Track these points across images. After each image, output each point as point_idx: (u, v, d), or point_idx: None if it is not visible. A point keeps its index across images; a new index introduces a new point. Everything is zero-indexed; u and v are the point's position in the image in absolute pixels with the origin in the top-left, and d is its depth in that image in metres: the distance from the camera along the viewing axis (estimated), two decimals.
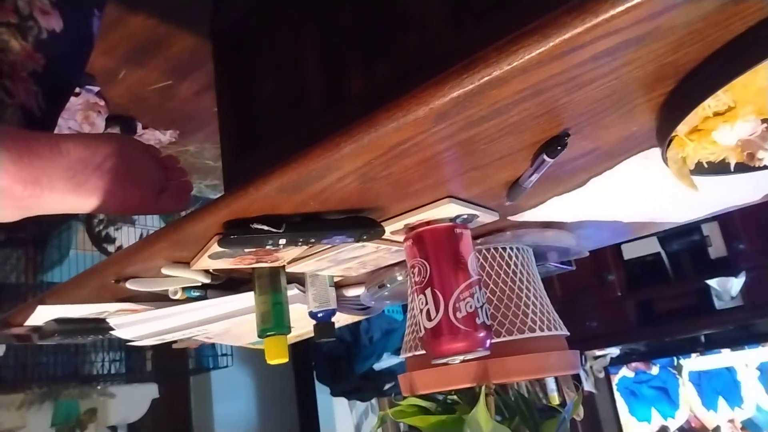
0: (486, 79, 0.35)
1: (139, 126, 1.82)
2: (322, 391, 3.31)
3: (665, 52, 0.35)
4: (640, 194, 0.63)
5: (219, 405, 3.62)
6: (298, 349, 4.00)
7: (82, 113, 1.70)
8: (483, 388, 0.62)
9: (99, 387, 2.46)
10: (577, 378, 2.82)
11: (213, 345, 2.87)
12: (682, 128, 0.43)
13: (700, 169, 0.48)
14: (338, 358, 3.09)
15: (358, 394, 3.19)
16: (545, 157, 0.46)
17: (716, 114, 0.41)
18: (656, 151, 0.47)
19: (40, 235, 2.05)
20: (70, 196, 0.60)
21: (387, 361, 3.00)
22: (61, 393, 2.37)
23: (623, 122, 0.45)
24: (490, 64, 0.35)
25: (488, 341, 0.58)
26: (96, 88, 1.63)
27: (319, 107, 1.07)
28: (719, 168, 0.48)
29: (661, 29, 0.33)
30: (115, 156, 0.66)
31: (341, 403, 3.33)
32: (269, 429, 4.02)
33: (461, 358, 0.58)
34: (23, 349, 2.19)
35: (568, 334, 0.71)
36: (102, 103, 1.69)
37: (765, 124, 0.43)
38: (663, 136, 0.42)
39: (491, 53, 0.34)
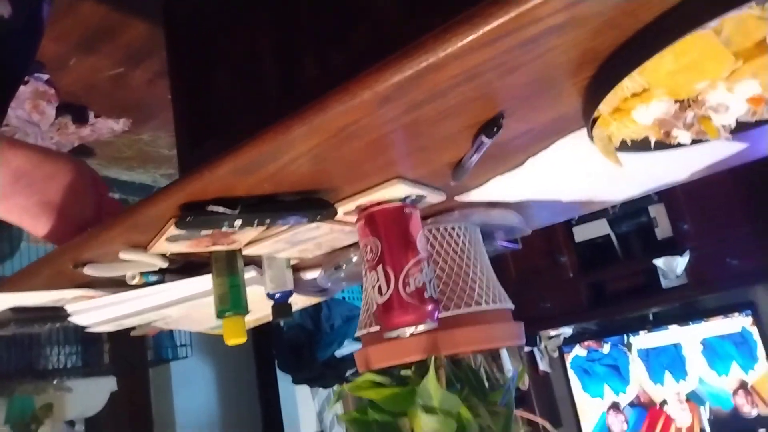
0: (424, 65, 0.38)
1: (91, 115, 1.79)
2: (283, 380, 3.33)
3: (584, 39, 0.39)
4: (575, 173, 0.67)
5: (179, 396, 3.60)
6: (258, 338, 4.00)
7: (30, 102, 1.66)
8: (433, 359, 0.66)
9: (55, 381, 2.42)
10: (531, 356, 2.92)
11: (172, 336, 2.85)
12: (605, 108, 0.47)
13: (624, 147, 0.52)
14: (300, 346, 3.11)
15: (321, 381, 3.22)
16: (484, 138, 0.50)
17: (634, 95, 0.45)
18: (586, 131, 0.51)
19: None
20: None
21: (348, 348, 3.04)
22: (15, 389, 2.32)
23: (553, 104, 0.48)
24: (427, 51, 0.38)
25: (436, 314, 0.62)
26: (45, 76, 1.60)
27: (275, 94, 1.09)
28: (641, 145, 0.52)
29: (578, 18, 0.36)
30: (56, 181, 0.65)
31: (303, 390, 3.35)
32: (231, 419, 4.02)
33: (411, 330, 0.62)
34: None
35: (513, 307, 0.75)
36: (52, 91, 1.66)
37: (678, 105, 0.47)
38: (588, 116, 0.46)
39: (428, 41, 0.37)
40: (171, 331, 2.87)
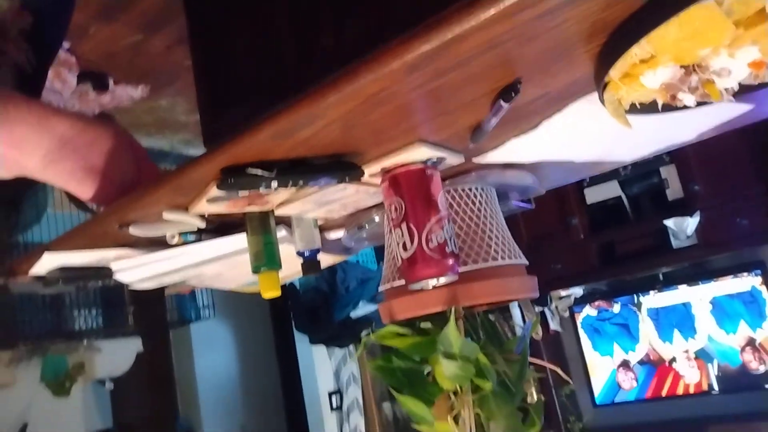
0: (450, 36, 0.42)
1: (111, 82, 1.83)
2: (300, 340, 3.43)
3: (596, 10, 0.43)
4: (587, 134, 0.71)
5: (200, 356, 3.72)
6: (276, 300, 4.10)
7: (53, 70, 1.70)
8: (453, 310, 0.71)
9: (85, 342, 2.53)
10: (542, 316, 2.99)
11: (194, 297, 2.94)
12: (615, 74, 0.50)
13: (634, 110, 0.56)
14: (316, 308, 3.19)
15: (337, 341, 3.32)
16: (502, 102, 0.54)
17: (642, 61, 0.49)
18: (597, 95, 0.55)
19: (16, 194, 2.07)
20: (38, 169, 0.64)
21: (363, 309, 3.12)
22: (48, 349, 2.42)
23: (567, 70, 0.52)
24: (453, 23, 0.41)
25: (457, 267, 0.67)
26: (66, 45, 1.64)
27: (292, 63, 1.12)
28: (649, 108, 0.56)
29: None
30: (97, 146, 0.70)
31: (320, 350, 3.45)
32: (250, 378, 4.16)
33: (434, 282, 0.67)
34: (7, 309, 2.23)
35: (527, 263, 0.80)
36: (73, 59, 1.70)
37: (683, 70, 0.51)
38: (599, 81, 0.50)
39: (453, 14, 0.41)
40: (194, 293, 2.96)
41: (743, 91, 0.56)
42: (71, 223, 2.19)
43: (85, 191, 0.72)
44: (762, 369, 2.65)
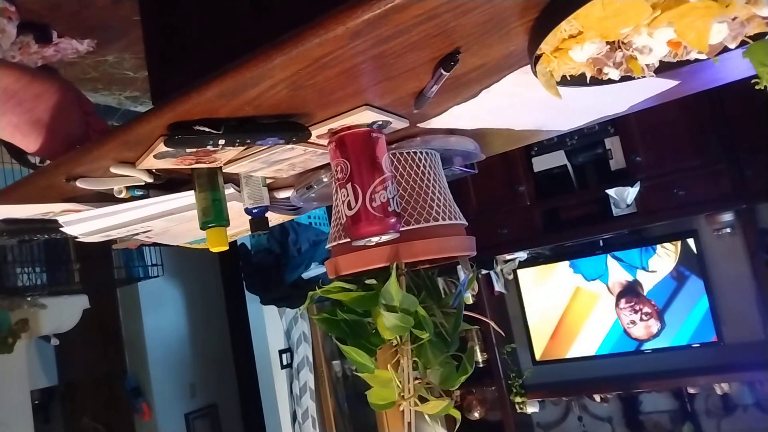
0: (390, 5, 0.44)
1: (55, 34, 1.76)
2: (251, 301, 3.45)
3: None
4: (524, 104, 0.75)
5: (149, 315, 3.70)
6: (226, 260, 4.09)
7: None
8: (395, 266, 0.75)
9: (29, 298, 2.48)
10: (487, 278, 3.09)
11: (143, 255, 2.91)
12: (546, 47, 0.54)
13: (565, 82, 0.60)
14: (268, 269, 3.20)
15: (288, 301, 3.35)
16: (442, 71, 0.57)
17: (570, 36, 0.52)
18: None
19: None
20: None
21: (315, 271, 3.15)
22: None
23: (503, 42, 0.55)
24: None
25: (398, 226, 0.70)
26: None
27: (245, 17, 1.12)
28: (579, 80, 0.60)
29: None
30: (44, 100, 0.69)
31: (271, 309, 3.48)
32: (200, 337, 4.17)
33: (376, 239, 0.71)
34: None
35: (467, 224, 0.85)
36: (12, 8, 1.62)
37: (608, 46, 0.55)
38: (531, 53, 0.54)
39: None
40: (141, 250, 2.93)
41: (665, 68, 0.61)
42: (13, 177, 2.12)
43: (30, 145, 0.72)
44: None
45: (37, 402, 3.59)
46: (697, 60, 0.60)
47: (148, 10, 1.28)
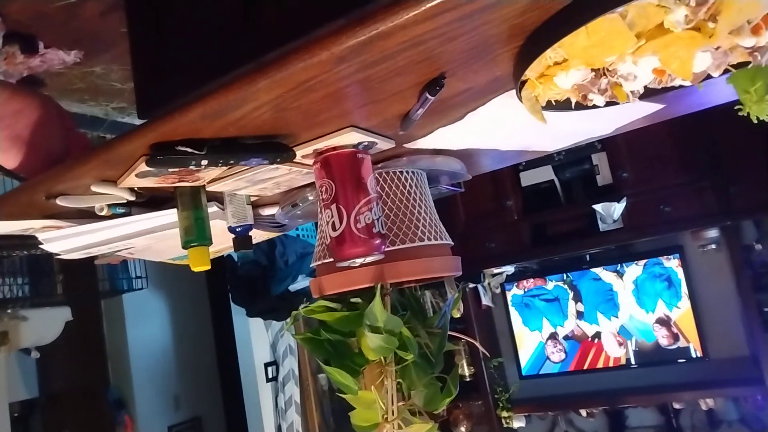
0: (375, 32, 0.44)
1: (41, 45, 1.74)
2: (237, 313, 3.42)
3: (513, 16, 0.46)
4: (510, 126, 0.75)
5: (133, 327, 3.66)
6: (212, 272, 4.06)
7: None
8: (380, 287, 0.74)
9: (9, 310, 2.44)
10: (475, 291, 3.09)
11: (127, 267, 2.88)
12: (531, 73, 0.54)
13: (550, 106, 0.60)
14: (254, 281, 3.18)
15: (274, 314, 3.32)
16: (428, 95, 0.57)
17: (556, 63, 0.52)
18: None
19: None
20: None
21: (302, 283, 3.13)
22: None
23: (489, 68, 0.55)
24: (377, 21, 0.44)
25: (383, 247, 0.70)
26: None
27: (234, 32, 1.11)
28: (564, 105, 0.60)
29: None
30: (24, 116, 0.69)
31: (257, 323, 3.46)
32: (185, 349, 4.12)
33: (361, 261, 0.70)
34: None
35: (452, 243, 0.84)
36: None
37: (593, 73, 0.55)
38: (517, 79, 0.54)
39: (379, 12, 0.43)
40: (126, 264, 2.90)
41: (650, 94, 0.61)
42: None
43: (9, 161, 0.71)
44: (675, 345, 2.85)
45: (16, 414, 3.52)
46: (681, 86, 0.60)
47: (136, 22, 1.27)
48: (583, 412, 3.05)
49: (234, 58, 1.08)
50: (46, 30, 1.67)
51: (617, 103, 0.61)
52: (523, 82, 0.55)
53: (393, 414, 0.78)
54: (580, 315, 3.09)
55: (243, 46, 1.08)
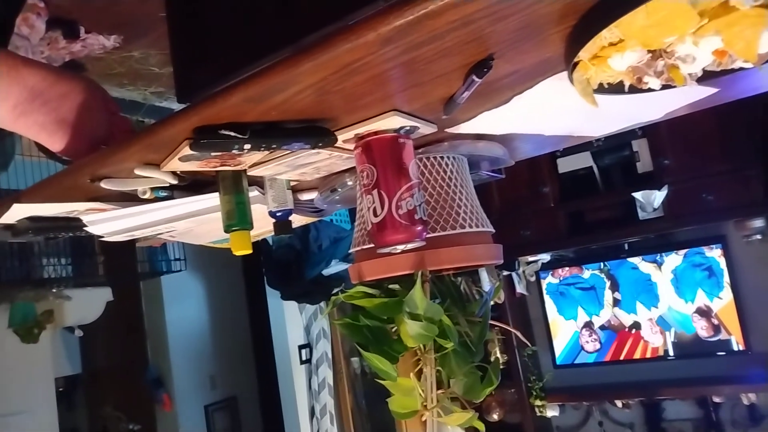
0: (423, 11, 0.43)
1: (82, 30, 1.78)
2: (272, 296, 3.46)
3: None
4: (556, 110, 0.72)
5: (171, 308, 3.74)
6: (248, 256, 4.11)
7: (20, 15, 1.64)
8: (420, 274, 0.73)
9: (54, 290, 2.52)
10: (509, 279, 3.06)
11: (166, 250, 2.94)
12: (584, 54, 0.52)
13: (601, 89, 0.58)
14: (288, 265, 3.21)
15: (308, 297, 3.35)
16: (474, 77, 0.55)
17: (611, 44, 0.50)
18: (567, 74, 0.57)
19: None
20: (8, 121, 0.64)
21: (335, 267, 3.15)
22: (16, 296, 2.41)
23: (539, 49, 0.53)
24: None
25: (424, 234, 0.69)
26: None
27: (271, 17, 1.11)
28: (616, 88, 0.58)
29: None
30: (69, 99, 0.69)
31: (291, 305, 3.49)
32: (221, 330, 4.21)
33: (402, 247, 0.69)
34: None
35: (494, 231, 0.83)
36: (41, 4, 1.64)
37: (650, 54, 0.52)
38: (569, 60, 0.52)
39: None
40: (165, 246, 2.96)
41: (707, 77, 0.58)
42: (40, 169, 2.15)
43: (55, 144, 0.71)
44: (714, 337, 2.78)
45: (61, 389, 3.65)
46: (741, 68, 0.57)
47: (174, 7, 1.28)
48: (619, 403, 3.00)
49: (271, 42, 1.08)
50: (86, 15, 1.70)
51: (672, 87, 0.58)
52: (575, 64, 0.53)
53: (432, 402, 0.77)
54: (617, 304, 3.03)
55: (280, 29, 1.08)
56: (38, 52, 1.76)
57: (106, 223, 0.82)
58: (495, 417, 3.19)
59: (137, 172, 0.70)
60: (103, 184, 0.72)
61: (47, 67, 0.72)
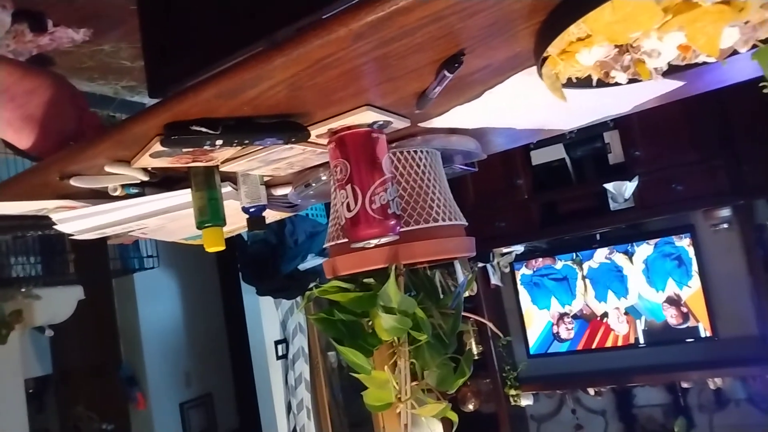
0: (394, 7, 0.43)
1: (50, 23, 1.73)
2: (247, 291, 3.44)
3: None
4: (527, 104, 0.73)
5: (144, 306, 3.69)
6: (222, 252, 4.08)
7: None
8: (394, 267, 0.74)
9: (23, 289, 2.46)
10: (484, 271, 3.09)
11: (138, 247, 2.90)
12: (553, 50, 0.53)
13: (570, 84, 0.59)
14: (264, 260, 3.19)
15: (284, 292, 3.34)
16: (446, 72, 0.55)
17: (578, 39, 0.51)
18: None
19: None
20: None
21: (311, 262, 3.13)
22: None
23: (509, 44, 0.54)
24: None
25: (398, 228, 0.69)
26: None
27: (244, 13, 1.09)
28: (585, 83, 0.59)
29: None
30: (37, 95, 0.68)
31: (267, 300, 3.47)
32: (196, 327, 4.17)
33: (376, 242, 0.70)
34: None
35: (467, 224, 0.84)
36: None
37: (617, 49, 0.54)
38: (538, 56, 0.52)
39: None
40: (137, 243, 2.92)
41: (673, 71, 0.60)
42: (7, 167, 2.10)
43: (23, 141, 0.70)
44: (684, 324, 2.84)
45: (31, 390, 3.58)
46: (705, 62, 0.59)
47: (145, 1, 1.26)
48: (591, 391, 3.06)
49: (244, 36, 1.07)
50: (54, 8, 1.66)
51: (639, 81, 0.59)
52: (544, 59, 0.54)
53: (406, 394, 0.78)
54: (589, 294, 3.08)
55: (253, 24, 1.06)
56: (3, 45, 1.72)
57: (77, 221, 0.81)
58: (470, 407, 3.22)
59: (107, 169, 0.69)
60: (73, 182, 0.71)
61: (13, 62, 0.70)
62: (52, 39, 1.76)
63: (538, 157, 2.95)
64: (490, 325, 0.92)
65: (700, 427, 2.86)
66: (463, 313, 0.84)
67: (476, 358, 3.13)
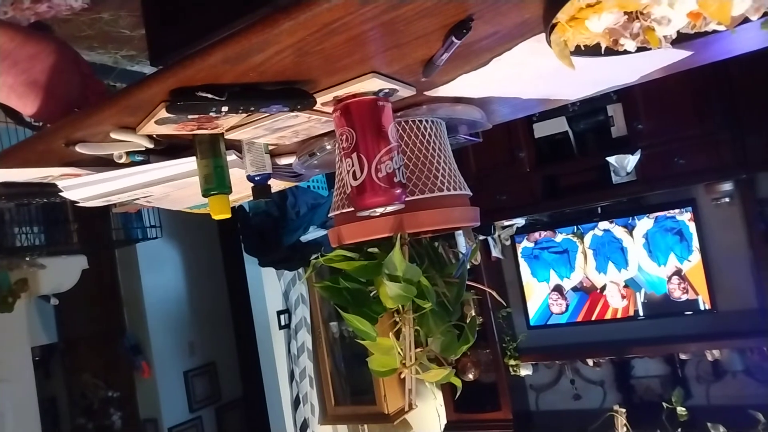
0: None
1: None
2: (249, 262, 3.46)
3: None
4: (534, 73, 0.73)
5: (147, 276, 3.72)
6: (224, 222, 4.10)
7: None
8: (399, 236, 0.74)
9: (28, 258, 2.48)
10: (485, 243, 3.10)
11: (141, 216, 2.90)
12: (562, 16, 0.52)
13: (578, 51, 0.58)
14: (266, 232, 3.20)
15: (286, 264, 3.36)
16: (454, 38, 0.55)
17: (588, 6, 0.50)
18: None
19: None
20: None
21: (313, 234, 3.15)
22: None
23: (518, 10, 0.54)
24: None
25: (404, 197, 0.70)
26: None
27: None
28: (593, 50, 0.58)
29: None
30: (40, 60, 0.67)
31: (270, 272, 3.50)
32: (199, 297, 4.20)
33: (381, 210, 0.70)
34: None
35: (471, 194, 0.84)
36: None
37: (626, 16, 0.53)
38: (547, 22, 0.52)
39: None
40: (140, 213, 2.92)
41: (682, 39, 0.59)
42: (9, 136, 2.10)
43: (26, 107, 0.70)
44: (684, 297, 2.86)
45: (37, 358, 3.64)
46: (714, 31, 0.58)
47: None
48: (590, 362, 3.10)
49: (244, 3, 1.05)
50: None
51: (648, 49, 0.59)
52: (553, 26, 0.53)
53: (411, 360, 0.79)
54: (589, 266, 3.10)
55: None
56: (1, 13, 1.69)
57: (82, 188, 0.81)
58: (470, 377, 3.27)
59: (113, 135, 0.69)
60: (78, 149, 0.71)
61: (15, 27, 0.69)
62: (50, 6, 1.74)
63: (541, 129, 2.93)
64: (492, 293, 0.93)
65: (697, 397, 2.90)
66: (467, 282, 0.85)
67: (477, 328, 3.16)
